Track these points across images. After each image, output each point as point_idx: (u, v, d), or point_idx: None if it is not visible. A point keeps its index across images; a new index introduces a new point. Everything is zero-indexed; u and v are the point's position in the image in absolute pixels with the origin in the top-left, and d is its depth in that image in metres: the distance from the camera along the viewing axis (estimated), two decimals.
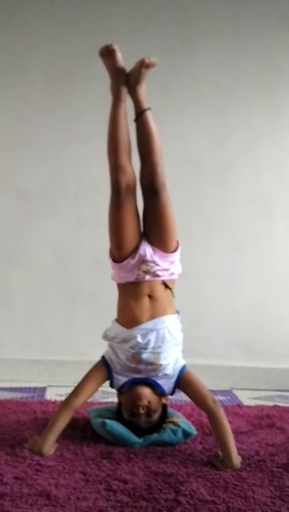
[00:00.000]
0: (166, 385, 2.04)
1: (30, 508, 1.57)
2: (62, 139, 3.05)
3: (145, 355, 2.00)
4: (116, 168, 2.01)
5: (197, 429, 2.18)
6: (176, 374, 2.04)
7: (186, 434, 2.09)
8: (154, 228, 2.04)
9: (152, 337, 2.00)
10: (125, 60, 3.03)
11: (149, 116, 2.03)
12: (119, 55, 2.05)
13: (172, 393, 2.08)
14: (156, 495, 1.67)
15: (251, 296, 3.12)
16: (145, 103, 2.05)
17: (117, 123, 2.02)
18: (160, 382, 2.03)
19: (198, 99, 3.11)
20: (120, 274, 2.06)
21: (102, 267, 2.99)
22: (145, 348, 2.00)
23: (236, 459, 1.91)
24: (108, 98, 3.01)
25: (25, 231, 3.06)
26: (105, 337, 2.10)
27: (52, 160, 3.06)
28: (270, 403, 2.72)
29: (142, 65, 2.02)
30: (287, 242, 3.14)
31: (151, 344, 2.00)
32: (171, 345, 2.03)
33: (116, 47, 2.04)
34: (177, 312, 2.10)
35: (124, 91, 2.06)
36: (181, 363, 2.07)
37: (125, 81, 2.05)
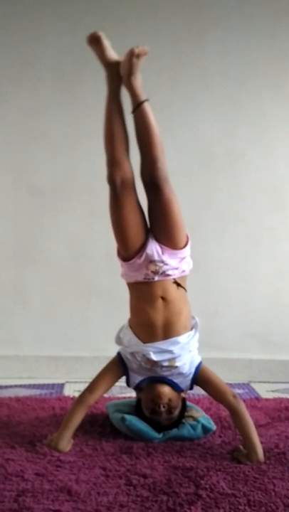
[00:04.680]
0: (183, 383, 2.03)
1: (52, 503, 1.58)
2: (73, 134, 3.05)
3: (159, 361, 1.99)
4: (111, 162, 1.96)
5: (216, 423, 2.17)
6: (193, 371, 2.02)
7: (206, 430, 2.09)
8: (160, 225, 1.97)
9: (166, 356, 1.98)
10: None
11: (147, 108, 1.93)
12: (106, 43, 1.96)
13: (191, 388, 2.07)
14: (177, 489, 1.68)
15: (266, 288, 3.11)
16: (142, 95, 1.94)
17: (111, 116, 1.95)
18: (176, 380, 2.01)
19: (208, 90, 3.09)
20: (128, 272, 2.02)
21: (116, 262, 2.99)
22: (160, 361, 1.98)
23: (261, 453, 1.89)
24: None
25: (39, 228, 3.07)
26: (118, 342, 2.08)
27: (64, 156, 3.06)
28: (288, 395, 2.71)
29: (132, 56, 1.91)
30: None
31: (165, 360, 1.98)
32: (186, 353, 2.02)
33: (101, 34, 1.95)
34: (193, 322, 2.05)
35: (118, 82, 1.96)
36: (197, 360, 2.05)
37: (118, 72, 1.95)
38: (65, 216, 3.07)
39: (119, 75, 1.96)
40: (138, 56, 1.92)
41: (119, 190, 1.95)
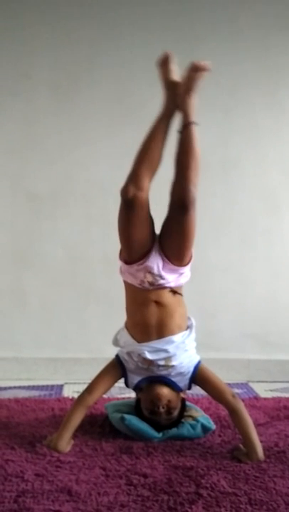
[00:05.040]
0: (182, 381, 2.04)
1: (52, 504, 1.58)
2: (69, 143, 3.09)
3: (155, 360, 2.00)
4: (131, 176, 1.95)
5: (215, 422, 2.18)
6: (191, 370, 2.03)
7: (205, 429, 2.09)
8: (173, 243, 1.97)
9: (161, 355, 1.99)
10: (127, 66, 3.10)
11: (194, 130, 1.96)
12: (172, 66, 2.02)
13: (189, 388, 2.08)
14: (177, 488, 1.68)
15: (262, 289, 3.14)
16: (192, 116, 1.98)
17: (155, 134, 1.96)
18: (175, 379, 2.02)
19: (201, 100, 3.11)
20: (126, 273, 2.04)
21: (112, 265, 2.99)
22: (155, 360, 1.99)
23: (261, 452, 1.90)
24: (111, 101, 3.08)
25: (37, 232, 3.09)
26: (115, 343, 2.09)
27: (60, 163, 3.09)
28: (287, 395, 2.71)
29: (192, 69, 1.96)
30: None
31: (161, 359, 1.99)
32: (182, 353, 2.02)
33: (170, 54, 2.01)
34: (188, 322, 2.06)
35: (173, 106, 2.00)
36: (195, 359, 2.06)
37: (175, 94, 1.99)
38: (62, 221, 3.10)
39: (177, 96, 1.99)
40: (197, 70, 1.95)
41: (128, 205, 1.93)
